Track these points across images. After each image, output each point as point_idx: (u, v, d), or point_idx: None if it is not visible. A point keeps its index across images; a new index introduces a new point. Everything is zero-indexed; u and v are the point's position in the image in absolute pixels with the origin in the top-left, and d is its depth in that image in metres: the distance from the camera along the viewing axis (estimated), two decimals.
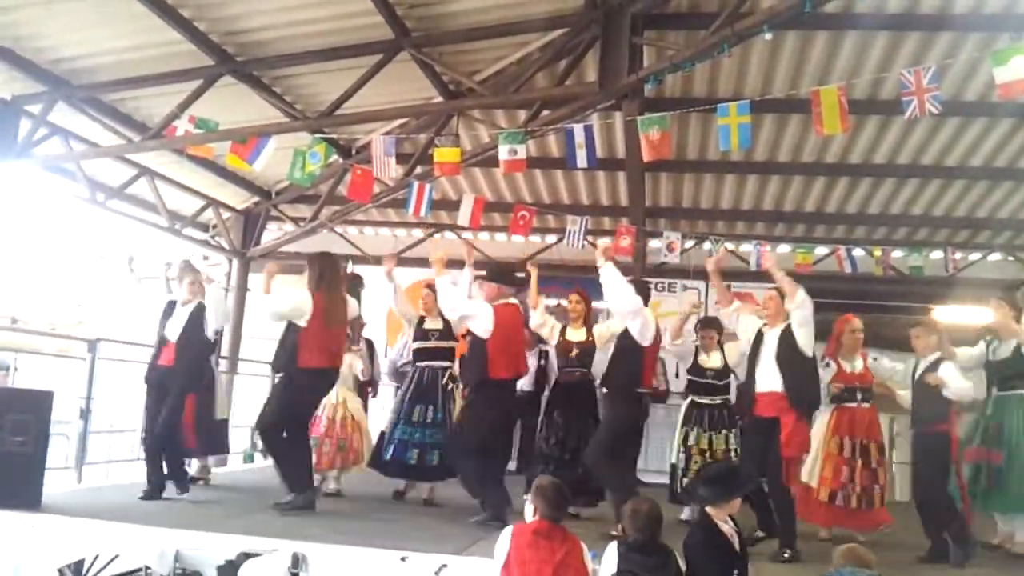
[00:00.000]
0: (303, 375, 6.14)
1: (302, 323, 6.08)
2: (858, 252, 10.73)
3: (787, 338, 5.85)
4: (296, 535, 5.05)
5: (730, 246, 10.79)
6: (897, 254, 11.06)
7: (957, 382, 5.99)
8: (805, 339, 5.81)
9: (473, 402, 6.24)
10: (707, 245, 10.73)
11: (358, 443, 7.44)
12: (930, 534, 5.90)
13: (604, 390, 6.38)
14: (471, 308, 6.15)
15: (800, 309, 5.82)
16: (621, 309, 5.86)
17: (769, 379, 5.88)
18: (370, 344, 8.24)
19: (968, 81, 8.44)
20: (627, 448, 6.22)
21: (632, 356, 5.96)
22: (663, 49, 7.26)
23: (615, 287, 5.85)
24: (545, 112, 8.12)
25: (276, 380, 6.40)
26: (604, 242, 6.13)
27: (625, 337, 5.97)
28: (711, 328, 6.86)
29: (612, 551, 4.12)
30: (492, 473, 6.05)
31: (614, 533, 5.14)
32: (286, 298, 6.27)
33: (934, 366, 6.14)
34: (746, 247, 11.11)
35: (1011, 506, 6.27)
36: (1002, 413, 6.39)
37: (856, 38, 8.01)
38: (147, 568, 5.01)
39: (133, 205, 10.80)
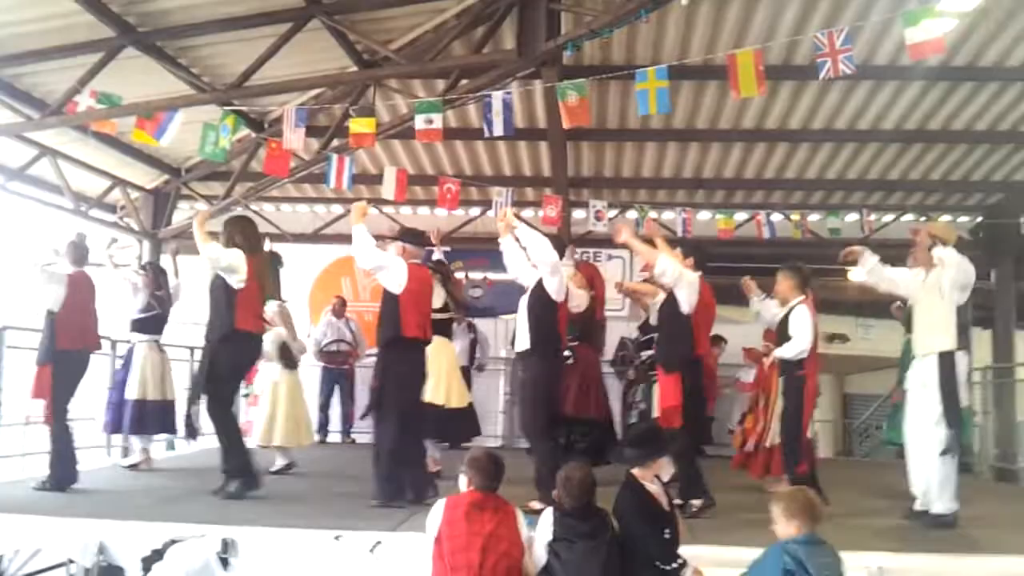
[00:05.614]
0: (240, 338, 6.00)
1: (237, 284, 5.92)
2: (776, 217, 10.95)
3: (671, 298, 6.04)
4: (226, 520, 4.94)
5: (653, 215, 10.87)
6: (814, 217, 11.31)
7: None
8: (683, 298, 5.94)
9: (387, 364, 5.92)
10: (632, 213, 10.78)
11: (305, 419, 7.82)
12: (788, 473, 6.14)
13: (518, 350, 6.18)
14: (386, 259, 5.87)
15: (664, 277, 5.97)
16: (543, 262, 5.80)
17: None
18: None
19: (879, 44, 8.59)
20: (548, 410, 6.09)
21: (549, 313, 5.91)
22: (581, 15, 7.20)
23: (536, 243, 5.81)
24: (464, 81, 8.00)
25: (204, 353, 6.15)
26: (508, 211, 6.21)
27: (540, 293, 5.92)
28: None
29: (547, 518, 4.12)
30: (404, 455, 5.79)
31: (536, 507, 5.09)
32: (225, 250, 6.00)
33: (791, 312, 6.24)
34: (669, 215, 11.23)
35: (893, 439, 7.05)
36: (905, 354, 6.75)
37: (770, 3, 8.08)
38: (71, 561, 4.83)
39: (35, 187, 10.29)
